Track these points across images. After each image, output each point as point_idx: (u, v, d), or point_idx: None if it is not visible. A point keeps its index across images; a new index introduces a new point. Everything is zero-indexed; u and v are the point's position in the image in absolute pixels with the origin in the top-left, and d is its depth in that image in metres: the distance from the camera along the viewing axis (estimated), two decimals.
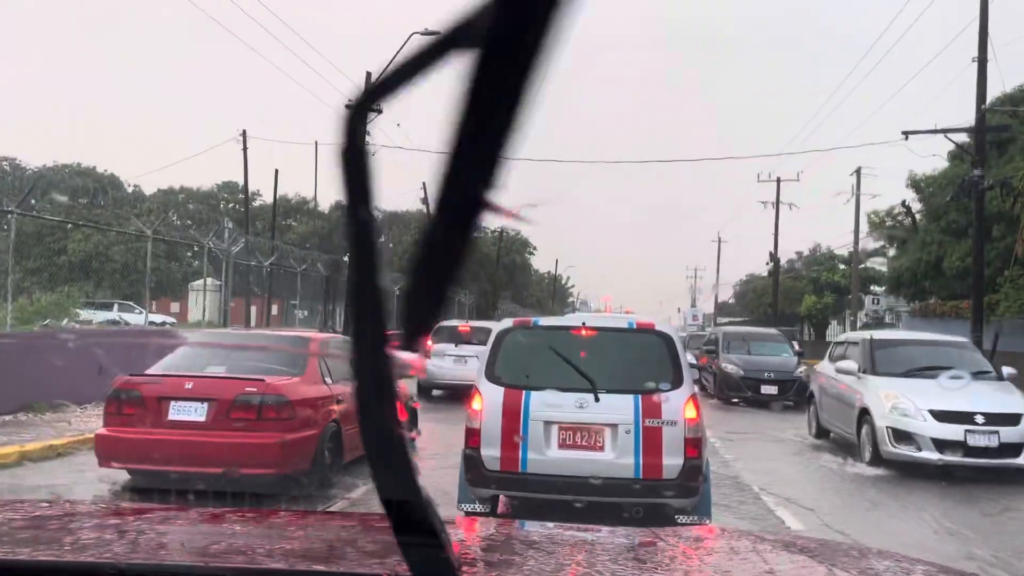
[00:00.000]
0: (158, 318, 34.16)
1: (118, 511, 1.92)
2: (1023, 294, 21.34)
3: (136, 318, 30.30)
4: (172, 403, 7.25)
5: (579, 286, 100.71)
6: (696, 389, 6.37)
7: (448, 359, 15.72)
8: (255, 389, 7.26)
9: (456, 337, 16.26)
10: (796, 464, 11.02)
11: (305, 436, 7.44)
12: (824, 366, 13.05)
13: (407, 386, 11.56)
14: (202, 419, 7.18)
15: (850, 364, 11.34)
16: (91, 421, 10.77)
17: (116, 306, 33.96)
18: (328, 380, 8.19)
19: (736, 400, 18.13)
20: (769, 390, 17.66)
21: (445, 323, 17.94)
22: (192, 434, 7.12)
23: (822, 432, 12.63)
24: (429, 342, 16.54)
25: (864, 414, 10.41)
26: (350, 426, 7.98)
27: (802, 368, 18.14)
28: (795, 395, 17.26)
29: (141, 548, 1.49)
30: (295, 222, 58.01)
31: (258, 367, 7.89)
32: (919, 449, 9.56)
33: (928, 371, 10.61)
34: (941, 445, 9.47)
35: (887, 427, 9.80)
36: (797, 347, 21.70)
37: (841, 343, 13.19)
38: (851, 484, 9.51)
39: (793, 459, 11.38)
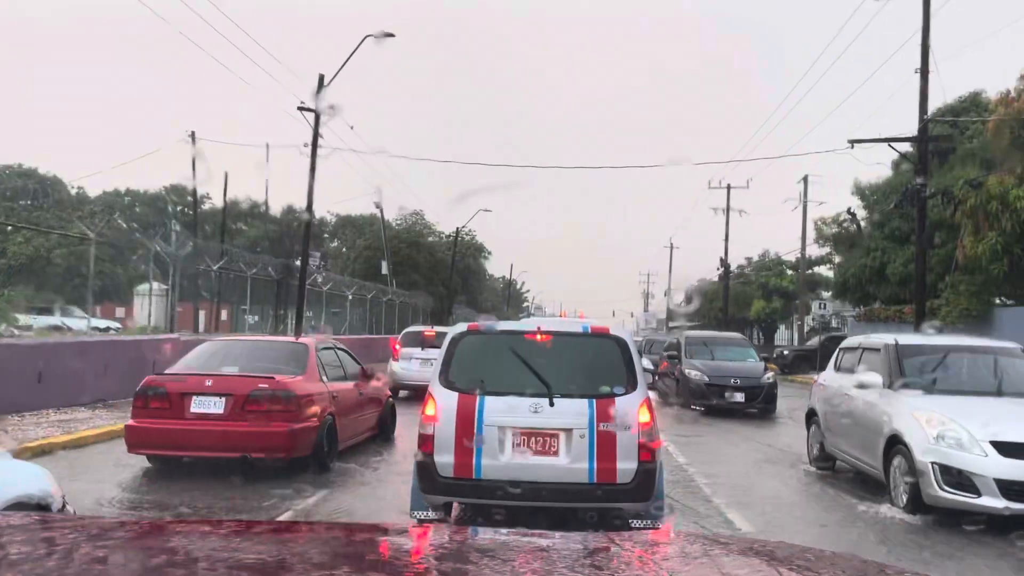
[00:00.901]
0: (102, 323, 33.30)
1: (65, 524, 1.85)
2: (963, 299, 21.98)
3: (79, 323, 29.57)
4: (194, 398, 8.37)
5: (534, 291, 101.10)
6: (650, 394, 6.34)
7: (415, 362, 17.12)
8: (267, 386, 8.44)
9: (422, 341, 17.73)
10: (810, 508, 8.60)
11: (308, 426, 8.64)
12: (829, 377, 10.69)
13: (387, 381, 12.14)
14: (220, 412, 8.31)
15: (871, 376, 8.85)
16: (30, 430, 10.42)
17: (59, 311, 33.03)
18: (324, 379, 9.45)
19: (701, 408, 17.06)
20: (736, 397, 16.75)
21: (411, 329, 19.69)
22: (212, 424, 8.23)
23: (825, 458, 10.25)
24: (397, 346, 18.01)
25: (895, 443, 7.96)
26: (343, 418, 9.58)
27: (769, 374, 17.48)
28: (763, 402, 16.74)
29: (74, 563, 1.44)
30: (245, 226, 57.14)
31: (266, 367, 9.06)
32: (979, 494, 7.11)
33: (972, 385, 8.48)
34: (1010, 489, 7.02)
35: (933, 463, 7.35)
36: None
37: (852, 348, 10.51)
38: (894, 543, 6.92)
39: (802, 500, 8.99)
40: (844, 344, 11.19)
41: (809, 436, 10.97)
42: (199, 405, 8.34)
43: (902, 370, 8.74)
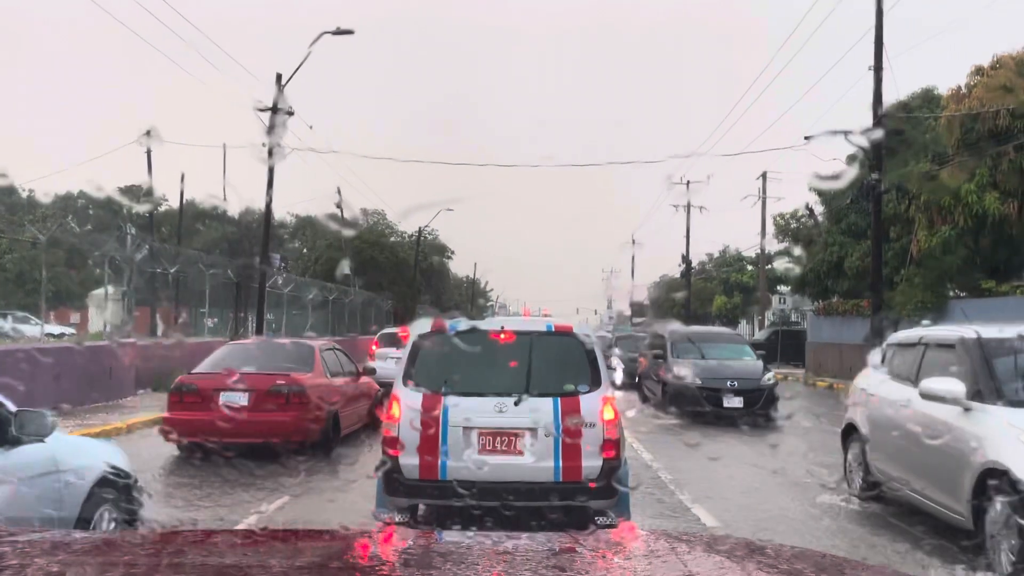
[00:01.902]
0: (56, 329, 32.55)
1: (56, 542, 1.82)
2: (918, 292, 22.42)
3: (33, 330, 28.90)
4: (222, 393, 9.88)
5: (497, 289, 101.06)
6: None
7: (390, 360, 17.70)
8: (283, 382, 10.00)
9: (396, 342, 18.33)
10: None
11: (318, 415, 10.09)
12: (873, 380, 8.32)
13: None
14: (245, 404, 9.83)
15: (948, 385, 6.40)
16: None
17: (10, 317, 32.21)
18: (328, 375, 11.10)
19: (690, 414, 14.86)
20: (733, 403, 14.64)
21: (387, 330, 21.14)
22: (238, 414, 9.68)
23: (870, 485, 7.88)
24: (374, 346, 19.51)
25: (989, 477, 5.68)
26: (344, 410, 11.08)
27: (769, 374, 15.56)
28: (764, 407, 14.79)
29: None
30: (204, 227, 56.28)
31: (280, 366, 10.55)
32: None
33: None
34: None
35: None
36: None
37: (909, 344, 7.90)
38: None
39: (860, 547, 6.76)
40: (898, 338, 8.48)
41: (848, 459, 8.49)
42: (226, 399, 9.85)
43: (993, 375, 6.38)
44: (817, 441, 12.23)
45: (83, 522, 4.66)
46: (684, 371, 15.08)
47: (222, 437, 9.49)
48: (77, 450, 5.05)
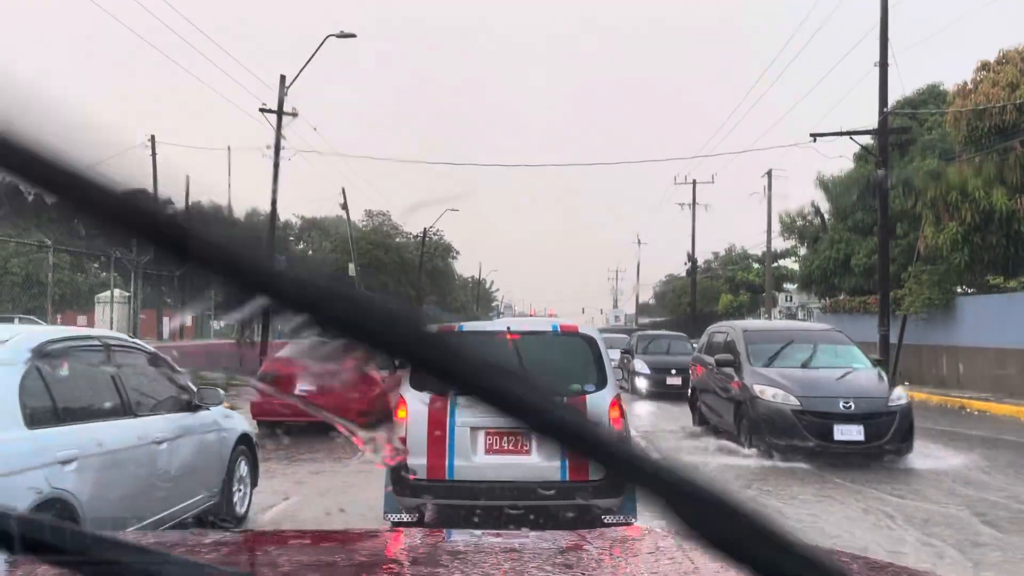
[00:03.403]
0: None
1: None
2: (926, 289, 22.33)
3: None
4: (297, 380, 11.31)
5: (503, 289, 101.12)
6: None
7: None
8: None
9: None
10: None
11: (371, 398, 11.49)
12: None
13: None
14: (315, 389, 10.21)
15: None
16: None
17: (16, 320, 32.29)
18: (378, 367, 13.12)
19: (782, 450, 10.19)
20: (849, 434, 10.00)
21: None
22: (311, 398, 11.42)
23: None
24: None
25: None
26: (391, 394, 13.21)
27: (898, 391, 10.82)
28: (894, 441, 10.07)
29: None
30: None
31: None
32: None
33: None
34: None
35: None
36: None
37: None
38: None
39: None
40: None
41: None
42: (302, 385, 11.02)
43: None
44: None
45: (229, 465, 6.74)
46: (771, 386, 10.69)
47: (298, 417, 11.57)
48: (227, 417, 7.04)
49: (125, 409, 5.37)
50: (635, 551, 1.80)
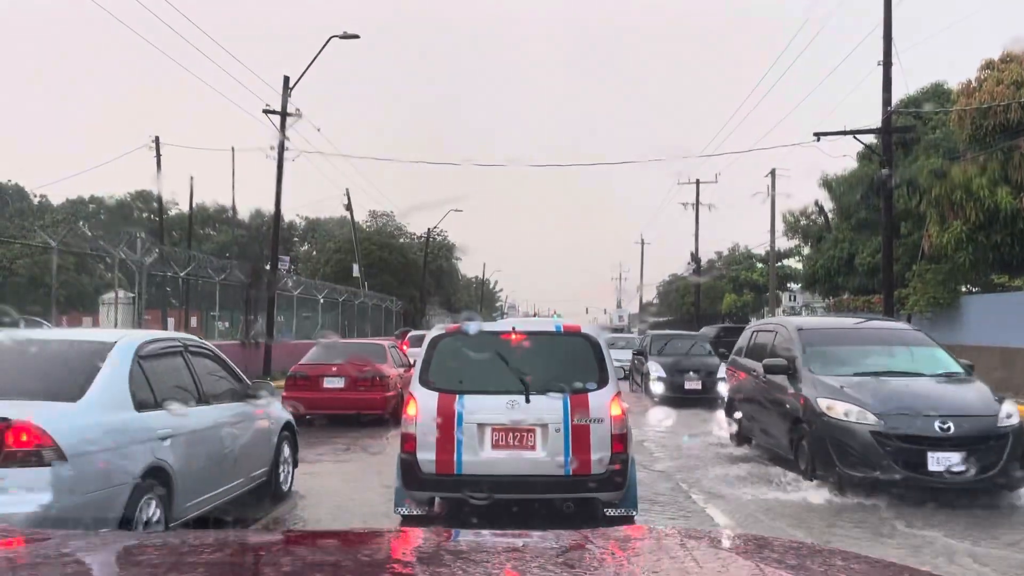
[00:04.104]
0: None
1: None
2: (930, 288, 22.27)
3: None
4: (324, 378, 13.42)
5: (507, 290, 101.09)
6: (618, 388, 6.51)
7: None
8: (369, 370, 13.52)
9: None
10: None
11: (392, 395, 13.47)
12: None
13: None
14: (341, 386, 13.36)
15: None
16: None
17: (22, 322, 32.32)
18: (395, 366, 14.41)
19: (857, 483, 7.97)
20: (949, 463, 7.69)
21: (415, 332, 24.03)
22: (336, 394, 13.25)
23: None
24: (405, 347, 21.01)
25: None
26: (403, 391, 13.01)
27: (1007, 407, 8.28)
28: (1009, 472, 7.78)
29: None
30: (214, 231, 56.48)
31: (363, 359, 13.85)
32: None
33: None
34: None
35: None
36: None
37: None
38: None
39: None
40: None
41: None
42: (328, 382, 13.34)
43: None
44: None
45: (276, 447, 7.71)
46: (841, 400, 8.30)
47: (325, 410, 13.20)
48: (274, 406, 8.03)
49: (201, 398, 6.41)
50: (637, 550, 1.81)
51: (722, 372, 16.40)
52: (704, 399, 17.06)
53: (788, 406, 9.18)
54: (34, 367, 5.40)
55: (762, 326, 11.89)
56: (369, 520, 6.94)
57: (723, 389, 15.84)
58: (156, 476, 5.31)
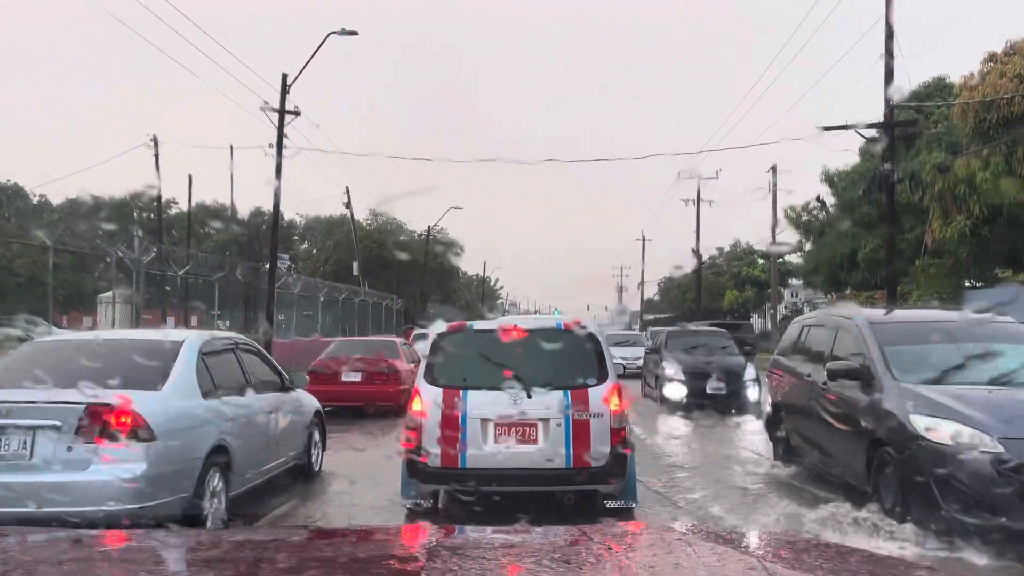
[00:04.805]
0: (67, 333, 32.48)
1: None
2: (934, 283, 22.17)
3: (42, 333, 28.88)
4: (343, 372, 14.39)
5: (508, 287, 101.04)
6: (617, 382, 6.60)
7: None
8: (384, 365, 14.47)
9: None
10: None
11: (404, 388, 13.48)
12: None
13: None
14: (359, 380, 14.31)
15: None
16: None
17: (22, 321, 32.26)
18: (407, 362, 15.07)
19: (974, 532, 5.62)
20: None
21: (420, 330, 23.93)
22: (354, 387, 14.18)
23: None
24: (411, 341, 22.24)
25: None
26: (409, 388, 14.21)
27: None
28: None
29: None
30: (214, 230, 56.40)
31: (378, 355, 14.92)
32: None
33: None
34: None
35: None
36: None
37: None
38: None
39: None
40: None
41: None
42: (347, 376, 14.33)
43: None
44: None
45: (309, 432, 8.59)
46: (946, 418, 6.18)
47: (344, 402, 13.75)
48: (306, 396, 8.93)
49: (251, 388, 7.33)
50: (636, 545, 1.82)
51: (749, 374, 15.47)
52: (730, 405, 15.10)
53: (863, 423, 6.96)
54: (121, 362, 6.18)
55: (815, 319, 9.72)
56: (390, 496, 7.21)
57: (753, 394, 14.91)
58: (219, 453, 6.28)
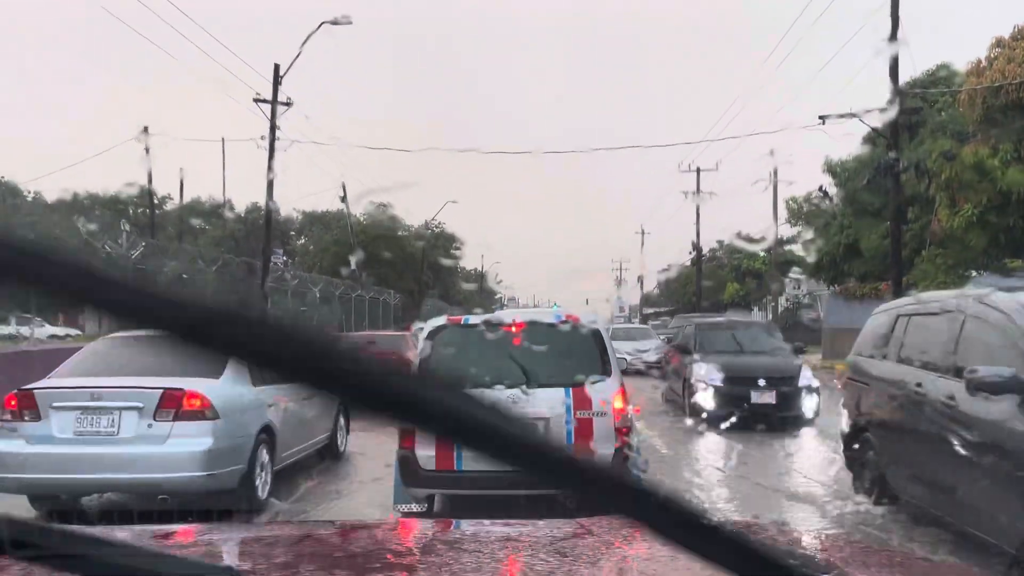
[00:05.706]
0: (60, 331, 32.21)
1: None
2: (940, 273, 21.77)
3: (38, 332, 28.65)
4: None
5: (507, 281, 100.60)
6: (622, 380, 6.38)
7: None
8: (396, 357, 13.79)
9: None
10: None
11: None
12: None
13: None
14: None
15: None
16: None
17: (14, 319, 31.91)
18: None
19: None
20: None
21: (420, 324, 23.05)
22: None
23: None
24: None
25: None
26: None
27: None
28: None
29: None
30: (209, 225, 55.96)
31: (390, 346, 15.10)
32: None
33: None
34: None
35: None
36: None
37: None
38: None
39: None
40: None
41: None
42: None
43: None
44: None
45: (335, 418, 9.50)
46: None
47: None
48: None
49: None
50: (634, 539, 1.80)
51: (806, 379, 12.49)
52: (785, 418, 12.14)
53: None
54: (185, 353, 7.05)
55: (920, 305, 6.94)
56: None
57: (810, 405, 12.21)
58: (266, 432, 7.22)
